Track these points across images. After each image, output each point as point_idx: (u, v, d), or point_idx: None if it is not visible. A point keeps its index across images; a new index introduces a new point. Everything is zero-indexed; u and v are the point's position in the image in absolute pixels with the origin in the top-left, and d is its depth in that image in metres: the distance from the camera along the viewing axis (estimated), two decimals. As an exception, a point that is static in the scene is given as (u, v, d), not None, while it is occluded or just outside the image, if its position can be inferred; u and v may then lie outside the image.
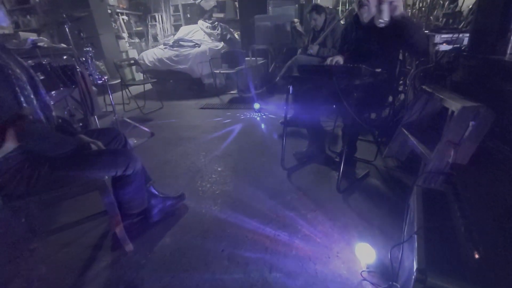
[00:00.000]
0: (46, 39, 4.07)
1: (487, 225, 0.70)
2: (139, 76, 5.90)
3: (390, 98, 2.29)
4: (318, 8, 3.21)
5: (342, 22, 3.33)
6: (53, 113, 1.34)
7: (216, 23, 5.96)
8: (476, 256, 0.66)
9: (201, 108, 4.24)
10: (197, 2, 7.41)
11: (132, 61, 4.65)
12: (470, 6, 2.52)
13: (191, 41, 5.28)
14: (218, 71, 4.64)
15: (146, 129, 3.16)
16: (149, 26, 7.91)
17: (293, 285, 1.23)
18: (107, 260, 1.44)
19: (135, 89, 5.17)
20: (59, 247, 1.56)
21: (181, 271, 1.35)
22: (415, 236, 0.82)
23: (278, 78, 3.45)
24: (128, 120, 3.19)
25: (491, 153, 1.46)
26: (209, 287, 1.26)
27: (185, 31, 5.90)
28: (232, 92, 5.02)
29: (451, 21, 2.77)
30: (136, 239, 1.56)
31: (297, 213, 1.71)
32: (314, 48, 3.22)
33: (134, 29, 7.46)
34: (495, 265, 0.64)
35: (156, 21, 7.84)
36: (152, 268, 1.38)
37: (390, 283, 1.14)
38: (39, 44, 3.58)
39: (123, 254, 1.47)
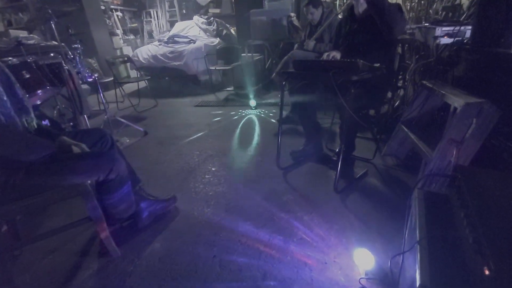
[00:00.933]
0: (36, 37, 3.95)
1: (499, 236, 0.63)
2: (134, 74, 5.79)
3: (389, 94, 2.21)
4: (315, 2, 3.11)
5: (340, 16, 3.22)
6: (32, 115, 1.26)
7: (212, 18, 5.84)
8: (486, 272, 0.59)
9: (196, 105, 4.16)
10: (192, -3, 7.28)
11: (126, 58, 4.54)
12: (471, -1, 2.44)
13: (186, 37, 5.17)
14: (213, 68, 4.54)
15: (139, 128, 3.08)
16: (144, 23, 7.77)
17: (288, 294, 1.17)
18: (93, 268, 1.37)
19: (129, 87, 5.07)
20: (44, 253, 1.49)
21: (170, 278, 1.28)
22: (417, 246, 0.75)
23: (274, 74, 3.35)
24: (121, 119, 3.10)
25: (495, 152, 1.39)
26: (199, 296, 1.19)
27: (180, 27, 5.79)
28: (228, 89, 4.93)
29: (450, 14, 2.69)
30: (124, 244, 1.50)
31: (293, 215, 1.64)
32: (309, 44, 3.12)
33: (128, 25, 7.33)
34: (508, 283, 0.57)
35: (151, 17, 7.70)
36: (140, 275, 1.31)
37: (390, 291, 1.08)
38: (29, 41, 3.49)
39: (110, 261, 1.40)
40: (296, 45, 3.46)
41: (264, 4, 4.77)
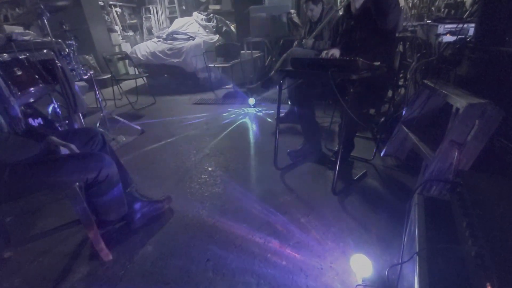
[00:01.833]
0: (32, 32, 3.91)
1: (503, 250, 0.58)
2: (133, 71, 5.74)
3: (390, 93, 2.16)
4: (314, -2, 3.05)
5: (340, 12, 3.16)
6: (19, 115, 1.22)
7: (212, 15, 5.77)
8: (490, 289, 0.55)
9: (195, 103, 4.11)
10: (192, -7, 7.20)
11: (124, 55, 4.49)
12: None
13: (185, 33, 5.10)
14: (212, 65, 4.49)
15: (136, 126, 3.04)
16: (144, 19, 7.69)
17: (282, 301, 1.13)
18: (83, 272, 1.33)
19: (127, 84, 5.02)
20: (34, 256, 1.46)
21: (162, 283, 1.24)
22: (416, 257, 0.71)
23: (273, 72, 3.30)
24: (117, 117, 3.06)
25: (498, 155, 1.34)
26: (191, 302, 1.16)
27: (179, 23, 5.71)
28: (227, 86, 4.87)
29: (453, 11, 2.64)
30: (116, 247, 1.46)
31: (290, 217, 1.60)
32: (308, 42, 3.07)
33: (128, 21, 7.25)
34: (513, 302, 0.53)
35: (150, 14, 7.62)
36: (131, 280, 1.27)
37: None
38: (23, 37, 3.44)
39: (101, 264, 1.36)
40: (295, 42, 3.40)
41: (264, 0, 4.70)
